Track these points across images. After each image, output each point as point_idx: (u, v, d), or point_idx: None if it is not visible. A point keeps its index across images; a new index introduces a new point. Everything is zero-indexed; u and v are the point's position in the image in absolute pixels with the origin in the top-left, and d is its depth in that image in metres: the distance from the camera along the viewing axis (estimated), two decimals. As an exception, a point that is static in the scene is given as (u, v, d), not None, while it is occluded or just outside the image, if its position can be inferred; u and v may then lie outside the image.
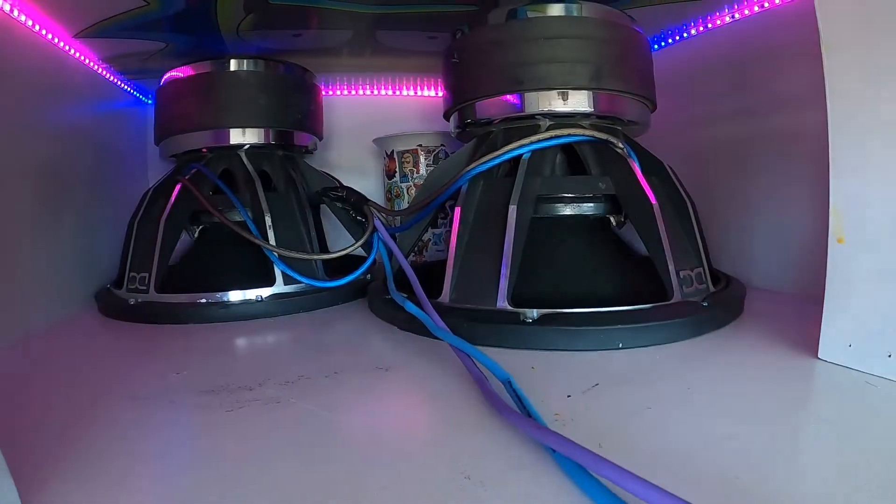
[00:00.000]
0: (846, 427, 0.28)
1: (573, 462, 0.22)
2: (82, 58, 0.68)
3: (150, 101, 0.88)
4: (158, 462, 0.26)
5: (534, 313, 0.43)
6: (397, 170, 0.85)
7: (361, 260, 0.60)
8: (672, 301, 0.45)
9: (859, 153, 0.35)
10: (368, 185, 0.92)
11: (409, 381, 0.37)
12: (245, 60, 0.67)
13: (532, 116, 0.53)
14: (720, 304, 0.47)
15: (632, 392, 0.33)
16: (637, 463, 0.21)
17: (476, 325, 0.43)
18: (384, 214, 0.63)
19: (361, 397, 0.34)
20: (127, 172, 0.82)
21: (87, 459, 0.26)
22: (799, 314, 0.46)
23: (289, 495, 0.23)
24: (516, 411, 0.28)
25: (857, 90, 0.35)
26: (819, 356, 0.37)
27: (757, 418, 0.29)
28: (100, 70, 0.73)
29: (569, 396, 0.32)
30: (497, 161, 0.51)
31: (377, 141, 0.88)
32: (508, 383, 0.30)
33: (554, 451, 0.23)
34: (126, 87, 0.82)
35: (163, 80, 0.69)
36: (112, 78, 0.77)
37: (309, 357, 0.43)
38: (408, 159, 0.84)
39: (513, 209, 0.47)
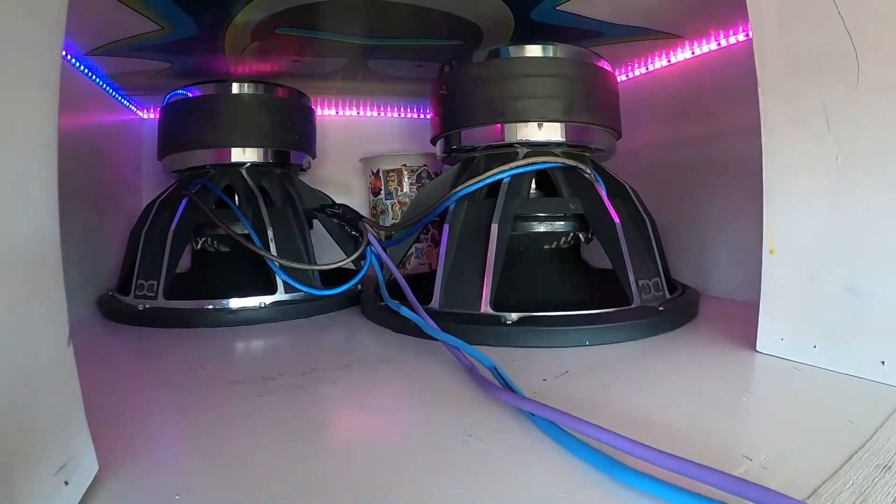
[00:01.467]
0: (773, 400, 0.36)
1: (548, 421, 0.28)
2: (89, 73, 0.72)
3: (146, 117, 0.93)
4: (215, 433, 0.31)
5: (513, 316, 0.49)
6: (382, 188, 0.91)
7: (347, 273, 0.66)
8: (632, 306, 0.52)
9: (787, 178, 0.42)
10: (353, 201, 0.97)
11: (411, 371, 0.43)
12: (247, 84, 0.72)
13: (511, 145, 0.60)
14: (675, 309, 0.54)
15: (596, 377, 0.40)
16: (600, 424, 0.27)
17: (463, 326, 0.49)
18: (377, 230, 0.69)
19: (373, 383, 0.40)
20: (124, 185, 0.86)
21: (151, 432, 0.32)
22: (746, 318, 0.51)
23: (327, 456, 0.28)
24: (502, 388, 0.34)
25: (785, 126, 0.42)
26: (757, 349, 0.44)
27: (700, 393, 0.36)
28: (103, 85, 0.78)
29: (544, 380, 0.38)
30: (481, 184, 0.57)
31: (363, 160, 0.94)
32: (494, 369, 0.37)
33: (533, 414, 0.30)
34: (125, 102, 0.87)
35: (168, 98, 0.74)
36: (113, 93, 0.82)
37: (318, 354, 0.49)
38: (392, 178, 0.91)
39: (494, 226, 0.54)
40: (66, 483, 0.22)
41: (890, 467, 0.26)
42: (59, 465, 0.22)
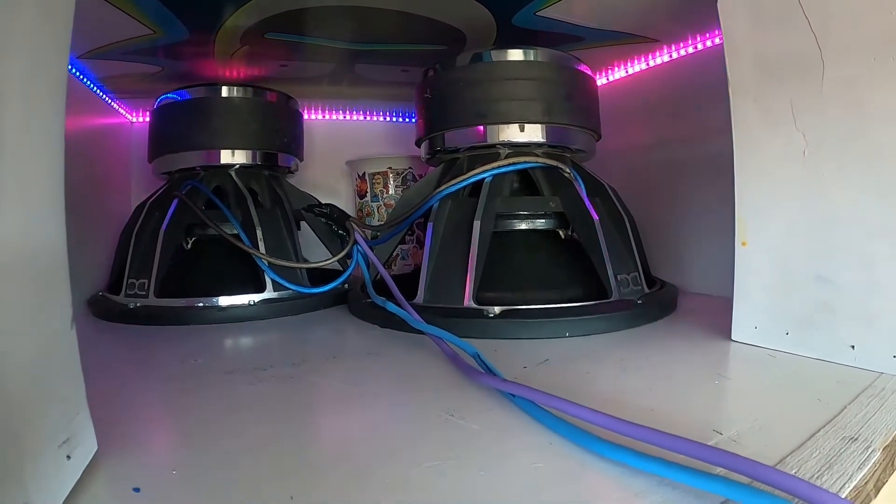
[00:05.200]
0: (746, 383, 0.38)
1: (527, 400, 0.30)
2: (80, 76, 0.73)
3: (134, 120, 0.94)
4: (210, 417, 0.33)
5: (495, 309, 0.51)
6: (368, 190, 0.93)
7: (333, 273, 0.67)
8: (611, 299, 0.54)
9: (757, 173, 0.44)
10: (340, 204, 0.95)
11: (397, 361, 0.45)
12: (236, 87, 0.74)
13: (493, 145, 0.62)
14: (654, 302, 0.56)
15: (575, 365, 0.42)
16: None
17: (447, 319, 0.51)
18: (363, 229, 0.71)
19: (361, 372, 0.42)
20: (112, 187, 0.87)
21: (147, 416, 0.33)
22: (722, 311, 0.52)
23: (318, 435, 0.30)
24: (483, 373, 0.36)
25: (755, 124, 0.44)
26: (732, 338, 0.46)
27: (675, 378, 0.38)
28: (93, 88, 0.79)
29: (524, 367, 0.40)
30: (464, 184, 0.59)
31: (349, 163, 0.95)
32: (477, 356, 0.38)
33: (513, 395, 0.31)
34: (114, 105, 0.88)
35: (158, 101, 0.75)
36: (103, 96, 0.83)
37: (307, 347, 0.50)
38: (378, 181, 0.92)
39: (477, 224, 0.56)
40: (69, 457, 0.24)
41: (856, 439, 0.27)
42: (63, 439, 0.23)
